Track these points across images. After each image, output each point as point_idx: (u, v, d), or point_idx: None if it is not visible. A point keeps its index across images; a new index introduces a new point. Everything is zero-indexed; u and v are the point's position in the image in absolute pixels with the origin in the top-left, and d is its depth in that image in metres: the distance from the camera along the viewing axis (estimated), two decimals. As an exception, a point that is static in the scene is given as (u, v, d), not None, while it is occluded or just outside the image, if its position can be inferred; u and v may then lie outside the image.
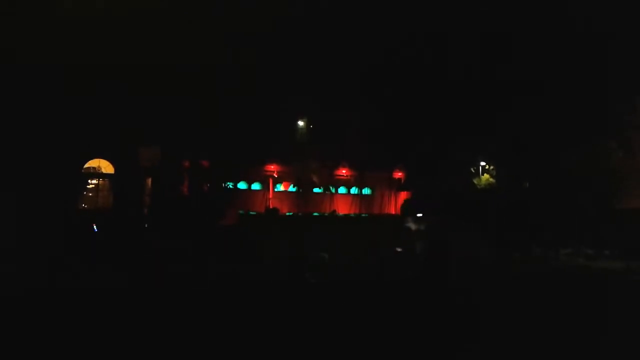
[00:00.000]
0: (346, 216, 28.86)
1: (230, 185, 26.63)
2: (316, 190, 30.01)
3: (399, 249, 21.51)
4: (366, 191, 31.52)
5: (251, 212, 26.11)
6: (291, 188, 29.58)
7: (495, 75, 26.03)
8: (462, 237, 22.51)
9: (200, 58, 21.49)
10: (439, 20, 25.49)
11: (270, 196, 28.52)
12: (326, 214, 28.52)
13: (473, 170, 32.48)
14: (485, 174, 33.75)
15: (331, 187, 30.30)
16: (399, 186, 32.10)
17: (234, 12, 19.92)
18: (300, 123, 30.31)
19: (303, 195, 29.27)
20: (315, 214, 28.37)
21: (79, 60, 19.36)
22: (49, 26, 16.87)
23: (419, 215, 26.27)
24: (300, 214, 27.32)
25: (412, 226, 24.27)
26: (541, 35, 24.81)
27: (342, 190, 30.82)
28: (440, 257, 19.24)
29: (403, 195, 31.85)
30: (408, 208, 28.81)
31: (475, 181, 32.42)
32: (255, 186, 28.81)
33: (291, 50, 23.67)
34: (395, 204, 31.79)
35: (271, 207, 27.71)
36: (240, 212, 24.91)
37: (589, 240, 24.17)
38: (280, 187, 29.41)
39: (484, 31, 25.73)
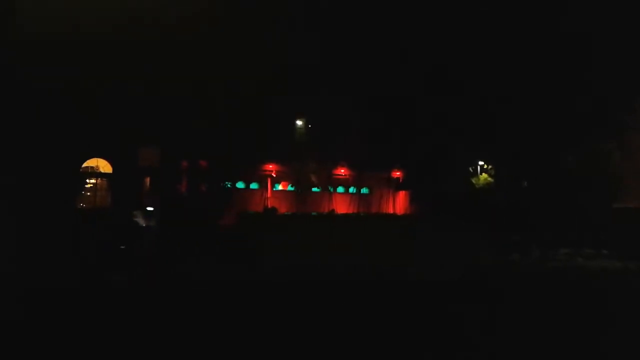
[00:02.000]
0: None
1: (229, 184, 26.55)
2: (315, 189, 29.98)
3: (122, 247, 19.26)
4: (364, 191, 31.52)
5: (250, 212, 26.06)
6: (289, 187, 29.54)
7: (495, 76, 26.04)
8: (461, 238, 22.52)
9: (198, 59, 21.40)
10: (438, 23, 25.50)
11: (269, 195, 28.48)
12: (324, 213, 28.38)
13: (471, 170, 32.47)
14: (483, 174, 33.74)
15: (329, 187, 30.27)
16: (397, 185, 32.09)
17: (234, 12, 19.84)
18: (299, 122, 30.29)
19: (301, 195, 29.22)
20: (314, 213, 28.34)
21: (76, 61, 19.27)
22: (51, 27, 16.78)
23: (150, 209, 23.85)
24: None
25: (141, 221, 22.43)
26: (542, 38, 24.83)
27: (340, 189, 30.80)
28: (159, 256, 17.89)
29: (401, 195, 31.86)
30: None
31: (473, 181, 32.42)
32: (254, 186, 28.75)
33: (291, 49, 23.59)
34: (393, 203, 31.79)
35: (269, 206, 27.67)
36: (239, 211, 24.83)
37: (588, 240, 24.21)
38: (279, 187, 29.36)
39: (483, 32, 25.74)
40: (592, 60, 23.93)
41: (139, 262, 17.88)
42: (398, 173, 31.89)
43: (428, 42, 26.07)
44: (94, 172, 25.73)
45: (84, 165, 25.18)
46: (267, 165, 28.31)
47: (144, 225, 22.08)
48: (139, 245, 19.80)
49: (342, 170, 30.50)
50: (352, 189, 31.00)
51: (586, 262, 22.72)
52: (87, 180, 25.85)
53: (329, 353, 9.38)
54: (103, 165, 25.55)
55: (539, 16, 24.90)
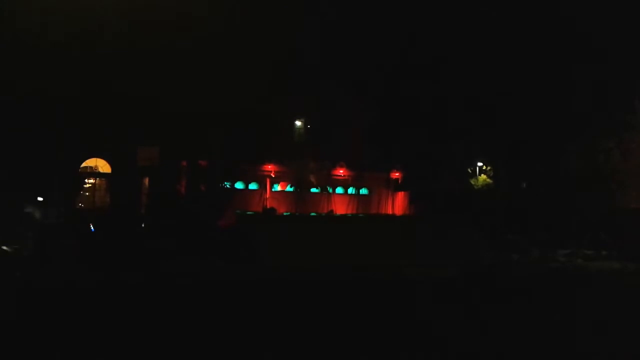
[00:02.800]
0: None
1: (228, 184, 26.50)
2: (314, 190, 29.93)
3: (5, 248, 17.19)
4: (363, 191, 31.50)
5: (249, 212, 26.00)
6: (288, 188, 29.49)
7: (494, 76, 26.06)
8: (460, 238, 22.51)
9: (198, 59, 21.37)
10: (439, 23, 25.53)
11: (268, 196, 28.43)
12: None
13: (470, 171, 32.47)
14: (482, 175, 33.75)
15: (328, 187, 30.22)
16: (396, 186, 32.07)
17: (234, 11, 19.84)
18: (298, 123, 30.31)
19: (300, 195, 29.17)
20: (313, 214, 28.29)
21: (76, 60, 19.22)
22: (50, 27, 16.75)
23: (40, 199, 20.92)
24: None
25: (36, 213, 20.25)
26: (542, 38, 24.85)
27: (339, 190, 30.77)
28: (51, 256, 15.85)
29: (400, 195, 31.83)
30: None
31: (472, 182, 32.42)
32: (253, 186, 28.73)
33: (290, 49, 23.59)
34: (392, 203, 31.77)
35: (268, 207, 27.62)
36: (237, 211, 24.74)
37: (588, 241, 24.24)
38: (278, 187, 29.33)
39: (483, 32, 25.76)
40: (592, 58, 23.96)
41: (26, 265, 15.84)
42: (397, 174, 31.88)
43: (427, 42, 26.09)
44: (92, 172, 25.69)
45: (83, 165, 25.15)
46: (266, 166, 28.28)
47: (38, 218, 20.16)
48: (35, 244, 17.42)
49: (341, 171, 30.48)
50: (351, 190, 30.98)
51: (585, 262, 22.75)
52: (86, 180, 25.82)
53: (328, 350, 9.37)
54: (102, 165, 25.51)
55: (539, 16, 24.94)
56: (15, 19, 16.90)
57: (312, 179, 29.28)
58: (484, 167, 34.00)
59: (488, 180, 32.78)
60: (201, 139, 23.18)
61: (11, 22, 16.84)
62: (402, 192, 31.93)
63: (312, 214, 28.27)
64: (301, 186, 29.11)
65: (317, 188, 29.97)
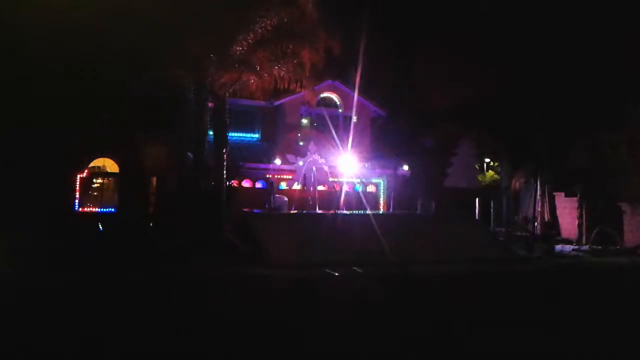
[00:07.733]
0: None
1: (235, 183, 26.54)
2: (320, 188, 29.90)
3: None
4: (370, 189, 31.45)
5: (255, 211, 26.03)
6: (295, 186, 29.48)
7: (499, 70, 25.99)
8: (467, 234, 22.49)
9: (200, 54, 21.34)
10: (440, 20, 25.49)
11: (275, 194, 28.40)
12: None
13: (478, 167, 32.40)
14: (490, 171, 33.70)
15: (335, 185, 30.16)
16: (403, 183, 32.00)
17: (234, 9, 19.78)
18: (304, 121, 30.37)
19: (307, 193, 29.14)
20: (319, 211, 28.28)
21: (82, 57, 19.26)
22: (55, 25, 16.78)
23: None
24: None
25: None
26: (549, 31, 24.75)
27: (346, 188, 30.73)
28: None
29: (408, 192, 31.75)
30: None
31: (480, 178, 32.34)
32: (260, 184, 28.78)
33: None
34: (399, 200, 31.67)
35: (275, 205, 27.57)
36: (245, 210, 24.75)
37: (595, 236, 24.19)
38: (284, 186, 29.34)
39: (487, 29, 25.71)
40: (598, 52, 23.81)
41: None
42: (404, 170, 31.80)
43: (429, 37, 26.07)
44: (100, 172, 25.80)
45: (91, 165, 25.27)
46: (273, 164, 28.31)
47: None
48: None
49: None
50: (357, 187, 30.94)
51: (593, 258, 22.68)
52: (94, 180, 25.93)
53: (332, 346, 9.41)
54: (110, 165, 25.62)
55: (547, 12, 24.84)
56: (15, 17, 16.93)
57: (319, 176, 29.24)
58: (492, 163, 33.95)
59: (496, 176, 32.72)
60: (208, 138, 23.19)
61: (11, 21, 16.88)
62: (410, 189, 31.89)
63: (319, 211, 28.26)
64: (308, 184, 29.09)
65: (323, 186, 29.95)
